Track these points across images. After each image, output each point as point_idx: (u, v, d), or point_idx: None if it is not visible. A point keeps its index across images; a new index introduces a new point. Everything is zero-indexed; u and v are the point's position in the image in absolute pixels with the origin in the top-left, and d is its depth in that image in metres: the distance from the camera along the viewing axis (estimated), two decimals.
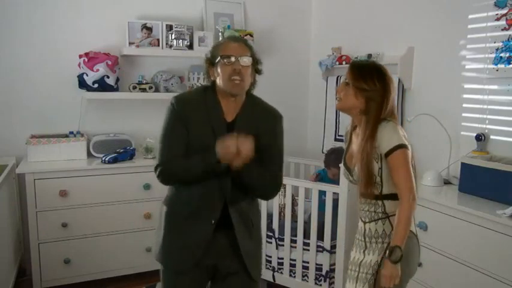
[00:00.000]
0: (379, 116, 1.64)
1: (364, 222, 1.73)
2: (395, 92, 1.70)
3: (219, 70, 1.68)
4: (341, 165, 1.84)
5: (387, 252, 1.59)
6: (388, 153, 1.60)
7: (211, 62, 1.72)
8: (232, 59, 1.64)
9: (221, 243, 1.73)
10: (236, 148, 1.55)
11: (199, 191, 1.68)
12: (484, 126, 2.55)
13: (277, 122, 1.80)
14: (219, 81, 1.69)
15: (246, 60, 1.66)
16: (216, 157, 1.58)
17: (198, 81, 3.48)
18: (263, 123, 1.75)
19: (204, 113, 1.70)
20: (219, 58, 1.67)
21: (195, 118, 1.68)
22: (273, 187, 1.79)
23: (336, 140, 3.62)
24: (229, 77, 1.64)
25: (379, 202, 1.67)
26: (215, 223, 1.70)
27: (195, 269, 1.72)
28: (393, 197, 1.65)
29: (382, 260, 1.64)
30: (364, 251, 1.72)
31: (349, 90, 1.67)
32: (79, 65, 3.13)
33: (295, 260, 2.85)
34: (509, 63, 2.40)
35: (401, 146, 1.59)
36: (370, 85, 1.64)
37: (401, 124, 3.08)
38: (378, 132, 1.62)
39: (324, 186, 2.77)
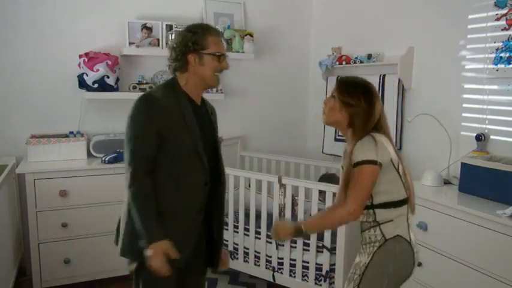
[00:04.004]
0: (363, 131, 1.66)
1: (361, 232, 1.78)
2: (381, 108, 1.72)
3: (204, 62, 1.71)
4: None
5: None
6: (354, 166, 1.63)
7: (191, 49, 1.70)
8: (224, 57, 1.75)
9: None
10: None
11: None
12: (484, 126, 2.55)
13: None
14: (199, 72, 1.73)
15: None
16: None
17: None
18: (210, 108, 1.92)
19: (178, 112, 1.71)
20: (211, 52, 1.70)
21: (171, 120, 1.68)
22: None
23: (336, 140, 3.62)
24: (215, 72, 1.74)
25: (370, 211, 1.69)
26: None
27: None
28: (384, 205, 1.67)
29: (370, 262, 1.67)
30: (359, 255, 1.77)
31: (335, 104, 1.72)
32: (79, 65, 3.13)
33: (295, 260, 2.85)
34: (509, 63, 2.40)
35: (366, 162, 1.60)
36: (355, 100, 1.67)
37: (401, 124, 3.08)
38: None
39: (324, 186, 2.76)
